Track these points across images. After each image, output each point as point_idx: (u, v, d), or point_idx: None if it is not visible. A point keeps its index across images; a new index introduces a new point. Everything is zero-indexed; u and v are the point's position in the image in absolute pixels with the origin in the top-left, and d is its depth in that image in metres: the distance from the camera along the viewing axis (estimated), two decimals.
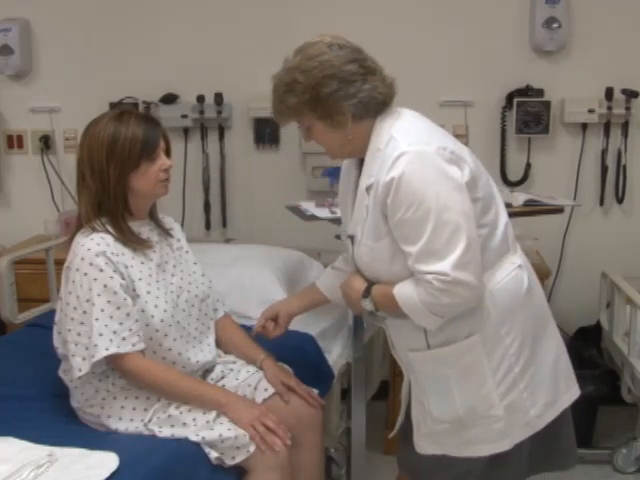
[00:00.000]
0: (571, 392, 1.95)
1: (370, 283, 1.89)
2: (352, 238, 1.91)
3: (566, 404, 1.93)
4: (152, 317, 2.07)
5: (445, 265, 1.70)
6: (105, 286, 2.00)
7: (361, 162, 1.88)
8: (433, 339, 1.84)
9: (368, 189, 1.81)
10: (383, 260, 1.82)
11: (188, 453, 1.94)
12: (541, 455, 1.93)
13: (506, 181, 3.45)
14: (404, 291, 1.79)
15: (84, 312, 2.00)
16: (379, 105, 1.83)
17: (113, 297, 2.00)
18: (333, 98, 1.79)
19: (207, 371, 2.25)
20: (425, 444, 1.94)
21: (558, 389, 1.91)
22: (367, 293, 1.88)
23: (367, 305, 1.89)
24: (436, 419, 1.88)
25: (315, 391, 2.27)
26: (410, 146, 1.74)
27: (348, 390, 2.63)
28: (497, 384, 1.82)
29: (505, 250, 1.86)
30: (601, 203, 3.47)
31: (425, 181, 1.71)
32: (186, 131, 3.57)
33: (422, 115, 1.92)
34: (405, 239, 1.75)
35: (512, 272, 1.85)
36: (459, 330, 1.81)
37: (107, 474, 1.74)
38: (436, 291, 1.72)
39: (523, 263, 1.90)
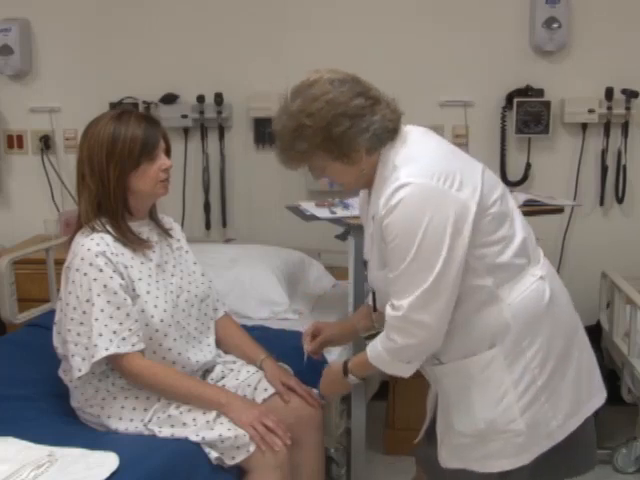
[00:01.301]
0: (592, 401, 1.90)
1: (344, 361, 1.99)
2: (366, 263, 1.94)
3: (588, 413, 1.89)
4: (152, 317, 2.07)
5: (403, 302, 1.71)
6: (105, 286, 2.00)
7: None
8: (446, 356, 1.83)
9: (374, 217, 1.81)
10: (387, 282, 1.82)
11: (188, 453, 1.93)
12: (553, 463, 1.88)
13: (506, 181, 3.44)
14: (373, 347, 1.84)
15: (84, 312, 2.00)
16: (390, 133, 1.79)
17: (113, 297, 2.00)
18: (347, 136, 1.74)
19: (207, 371, 2.25)
20: (448, 457, 1.90)
21: (581, 398, 1.87)
22: (346, 370, 1.96)
23: (352, 380, 1.98)
24: (458, 433, 1.85)
25: (315, 391, 2.26)
26: (409, 177, 1.70)
27: None
28: (518, 398, 1.78)
29: (524, 263, 1.81)
30: (601, 203, 3.48)
31: (415, 216, 1.68)
32: (186, 131, 3.57)
33: (431, 133, 1.87)
34: (389, 265, 1.76)
35: (532, 285, 1.80)
36: (479, 343, 1.79)
37: (107, 474, 1.74)
38: (391, 331, 1.74)
39: (546, 273, 1.85)
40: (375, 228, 1.80)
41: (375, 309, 2.03)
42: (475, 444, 1.83)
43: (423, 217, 1.67)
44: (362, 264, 2.31)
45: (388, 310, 1.75)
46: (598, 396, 1.93)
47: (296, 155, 1.80)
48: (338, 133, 1.73)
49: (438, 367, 1.86)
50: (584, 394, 1.88)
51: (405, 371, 1.81)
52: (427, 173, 1.71)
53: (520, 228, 1.83)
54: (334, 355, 2.60)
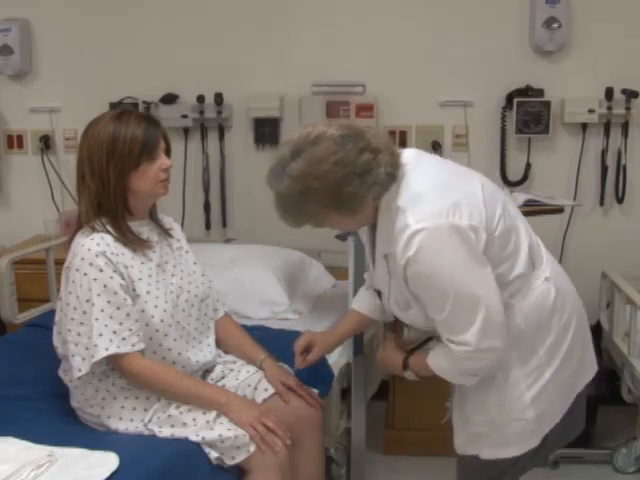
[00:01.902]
0: (585, 375, 1.98)
1: (405, 355, 1.94)
2: (379, 293, 1.95)
3: (581, 387, 1.97)
4: (152, 317, 2.07)
5: (467, 337, 1.73)
6: (105, 286, 2.00)
7: None
8: None
9: (386, 256, 1.81)
10: (418, 320, 1.87)
11: (188, 453, 1.93)
12: (551, 438, 1.96)
13: (506, 181, 3.45)
14: (436, 361, 1.84)
15: (84, 312, 2.00)
16: (393, 178, 1.75)
17: (113, 297, 2.00)
18: (357, 194, 1.70)
19: (207, 371, 2.25)
20: (462, 445, 1.97)
21: (578, 379, 1.96)
22: (406, 366, 1.94)
23: (410, 376, 1.96)
24: (474, 422, 1.92)
25: (315, 391, 2.27)
26: (419, 223, 1.68)
27: (348, 390, 2.63)
28: (528, 388, 1.85)
29: (530, 270, 1.86)
30: (601, 203, 3.47)
31: (439, 261, 1.69)
32: (186, 131, 3.57)
33: (424, 158, 1.85)
34: (429, 309, 1.78)
35: (539, 287, 1.86)
36: None
37: (107, 474, 1.74)
38: (463, 359, 1.77)
39: (550, 273, 1.89)
40: (393, 269, 1.79)
41: (395, 330, 2.07)
42: (489, 432, 1.90)
43: (445, 258, 1.69)
44: (362, 265, 2.32)
45: (452, 346, 1.75)
46: (591, 369, 2.00)
47: (304, 217, 1.76)
48: (347, 193, 1.70)
49: None
50: (580, 374, 1.97)
51: (470, 381, 1.84)
52: (434, 212, 1.70)
53: (524, 236, 1.86)
54: (335, 356, 2.60)
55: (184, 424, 2.00)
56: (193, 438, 1.97)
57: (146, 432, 2.02)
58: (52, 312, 2.32)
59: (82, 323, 2.00)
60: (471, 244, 1.70)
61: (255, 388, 2.18)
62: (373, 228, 1.88)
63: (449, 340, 1.76)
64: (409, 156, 1.82)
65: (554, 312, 1.87)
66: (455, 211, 1.70)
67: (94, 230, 2.06)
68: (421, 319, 1.85)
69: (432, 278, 1.71)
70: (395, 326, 2.08)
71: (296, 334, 2.54)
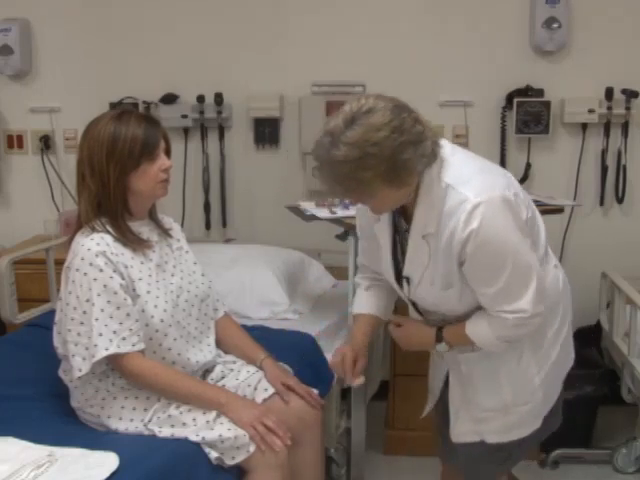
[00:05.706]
0: (569, 360, 2.08)
1: (438, 327, 1.95)
2: (407, 279, 1.94)
3: (567, 370, 2.08)
4: (152, 317, 2.07)
5: (523, 303, 1.79)
6: (105, 286, 2.00)
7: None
8: None
9: (425, 237, 1.83)
10: (451, 302, 1.90)
11: (188, 453, 1.93)
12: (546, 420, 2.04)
13: None
14: (478, 331, 1.88)
15: (84, 312, 2.00)
16: (435, 155, 1.79)
17: (113, 297, 2.00)
18: (410, 163, 1.71)
19: (207, 371, 2.25)
20: (464, 433, 2.02)
21: (567, 361, 2.08)
22: (439, 338, 1.95)
23: (441, 348, 1.96)
24: (482, 408, 1.97)
25: (315, 391, 2.26)
26: (478, 197, 1.74)
27: (348, 390, 2.63)
28: (537, 371, 1.95)
29: (544, 256, 1.95)
30: (601, 203, 3.48)
31: (500, 230, 1.76)
32: (186, 131, 3.57)
33: (456, 146, 1.90)
34: (480, 282, 1.82)
35: (550, 273, 1.96)
36: None
37: (107, 474, 1.74)
38: (513, 327, 1.82)
39: (555, 261, 2.01)
40: (445, 249, 1.80)
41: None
42: (496, 417, 1.97)
43: (504, 228, 1.76)
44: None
45: (507, 315, 1.81)
46: (572, 354, 2.10)
47: (356, 186, 1.72)
48: (402, 161, 1.70)
49: (465, 354, 1.96)
50: (568, 357, 2.08)
51: (503, 348, 1.89)
52: (487, 186, 1.77)
53: (542, 225, 1.95)
54: None
55: (184, 424, 2.00)
56: (193, 438, 1.97)
57: (146, 432, 2.02)
58: (52, 312, 2.32)
59: (82, 323, 2.00)
60: (519, 215, 1.79)
61: (255, 388, 2.18)
62: (400, 213, 1.90)
63: (502, 311, 1.81)
64: (445, 142, 1.86)
65: (562, 296, 1.97)
66: (503, 185, 1.79)
67: (94, 230, 2.06)
68: (455, 299, 1.88)
69: (494, 249, 1.76)
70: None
71: (296, 334, 2.54)
